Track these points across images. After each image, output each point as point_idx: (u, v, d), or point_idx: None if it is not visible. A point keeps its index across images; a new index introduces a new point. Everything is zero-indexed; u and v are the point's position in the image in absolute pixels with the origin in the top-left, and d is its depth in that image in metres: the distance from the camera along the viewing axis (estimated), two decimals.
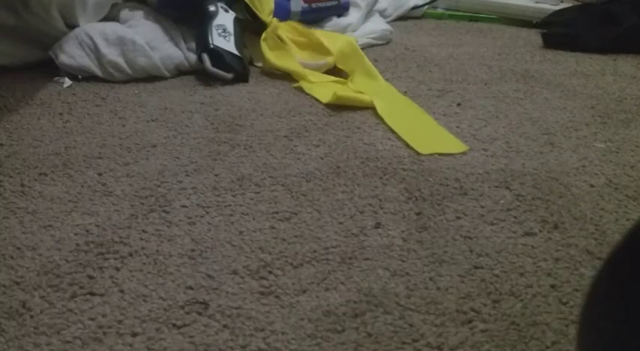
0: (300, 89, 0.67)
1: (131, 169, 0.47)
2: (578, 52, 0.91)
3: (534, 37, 1.01)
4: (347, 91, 0.66)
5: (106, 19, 0.71)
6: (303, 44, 0.78)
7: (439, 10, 1.18)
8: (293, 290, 0.34)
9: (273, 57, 0.73)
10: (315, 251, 0.37)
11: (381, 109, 0.60)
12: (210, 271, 0.35)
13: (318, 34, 0.77)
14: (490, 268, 0.37)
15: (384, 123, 0.58)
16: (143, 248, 0.37)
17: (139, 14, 0.72)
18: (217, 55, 0.67)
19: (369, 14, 0.95)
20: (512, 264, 0.37)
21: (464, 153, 0.52)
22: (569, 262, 0.38)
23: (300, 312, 0.32)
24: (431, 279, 0.35)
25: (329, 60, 0.73)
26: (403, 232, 0.40)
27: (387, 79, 0.72)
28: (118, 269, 0.35)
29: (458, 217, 0.42)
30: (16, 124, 0.55)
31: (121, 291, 0.34)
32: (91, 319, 0.31)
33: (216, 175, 0.47)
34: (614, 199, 0.46)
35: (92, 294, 0.33)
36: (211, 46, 0.67)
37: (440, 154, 0.52)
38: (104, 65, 0.66)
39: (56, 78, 0.66)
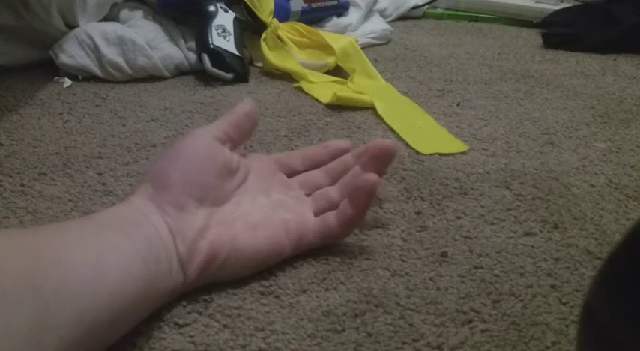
0: (300, 89, 0.67)
1: (131, 169, 0.47)
2: (579, 52, 0.91)
3: (534, 37, 1.01)
4: (347, 91, 0.66)
5: (105, 19, 0.71)
6: (304, 44, 0.78)
7: (439, 10, 1.19)
8: (293, 290, 0.34)
9: (273, 57, 0.73)
10: (315, 251, 0.37)
11: (381, 109, 0.60)
12: None
13: (321, 33, 0.77)
14: (490, 268, 0.37)
15: (384, 123, 0.58)
16: None
17: (138, 14, 0.72)
18: (217, 55, 0.67)
19: (369, 14, 0.96)
20: (512, 264, 0.37)
21: (464, 153, 0.53)
22: (570, 262, 0.38)
23: (300, 312, 0.32)
24: (431, 279, 0.35)
25: (329, 61, 0.73)
26: (403, 231, 0.40)
27: (387, 79, 0.72)
28: None
29: (458, 217, 0.42)
30: (16, 124, 0.55)
31: None
32: None
33: None
34: (614, 199, 0.46)
35: None
36: (211, 46, 0.67)
37: (440, 154, 0.52)
38: (104, 65, 0.66)
39: (56, 78, 0.66)
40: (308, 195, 0.39)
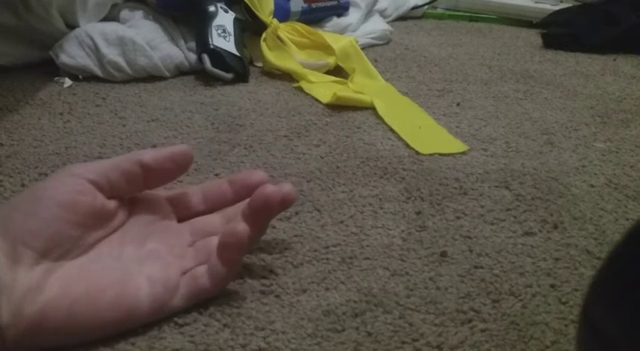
0: (300, 89, 0.67)
1: None
2: (578, 52, 0.91)
3: (534, 37, 1.01)
4: (347, 91, 0.66)
5: (106, 19, 0.71)
6: (304, 44, 0.78)
7: (439, 11, 1.19)
8: (293, 290, 0.34)
9: (273, 57, 0.73)
10: (315, 251, 0.37)
11: (381, 109, 0.61)
12: None
13: (321, 33, 0.77)
14: (490, 267, 0.37)
15: (384, 123, 0.58)
16: None
17: (139, 14, 0.72)
18: (217, 55, 0.67)
19: (369, 14, 0.96)
20: (512, 264, 0.37)
21: (464, 153, 0.53)
22: (569, 261, 0.38)
23: (300, 311, 0.32)
24: (431, 279, 0.35)
25: (329, 61, 0.73)
26: (403, 231, 0.40)
27: (387, 79, 0.72)
28: None
29: (457, 217, 0.42)
30: (17, 124, 0.55)
31: None
32: None
33: (216, 175, 0.47)
34: (613, 199, 0.46)
35: None
36: (211, 47, 0.67)
37: (440, 154, 0.52)
38: (104, 65, 0.66)
39: (56, 78, 0.66)
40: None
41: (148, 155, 0.32)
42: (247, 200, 0.33)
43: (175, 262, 0.32)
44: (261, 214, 0.32)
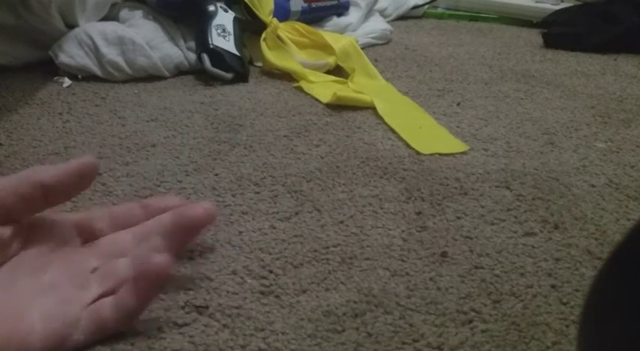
0: (300, 89, 0.67)
1: (131, 168, 0.47)
2: (579, 52, 0.91)
3: (535, 36, 1.01)
4: (347, 90, 0.65)
5: (105, 18, 0.71)
6: (304, 44, 0.78)
7: (439, 10, 1.19)
8: (293, 290, 0.34)
9: (273, 57, 0.73)
10: (315, 251, 0.37)
11: (381, 108, 0.60)
12: (210, 272, 0.35)
13: (321, 33, 0.77)
14: (490, 268, 0.36)
15: (385, 123, 0.58)
16: None
17: (138, 14, 0.72)
18: (217, 55, 0.67)
19: (369, 14, 0.96)
20: (513, 264, 0.37)
21: (464, 153, 0.52)
22: (570, 262, 0.38)
23: (300, 312, 0.32)
24: (431, 279, 0.35)
25: (329, 60, 0.73)
26: (403, 231, 0.40)
27: (387, 79, 0.72)
28: None
29: (458, 217, 0.42)
30: (16, 124, 0.54)
31: None
32: None
33: (216, 175, 0.47)
34: (614, 199, 0.46)
35: None
36: (211, 46, 0.67)
37: (440, 154, 0.52)
38: (104, 65, 0.66)
39: (56, 78, 0.66)
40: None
41: (48, 175, 0.29)
42: (161, 217, 0.32)
43: (76, 294, 0.29)
44: (184, 232, 0.31)
